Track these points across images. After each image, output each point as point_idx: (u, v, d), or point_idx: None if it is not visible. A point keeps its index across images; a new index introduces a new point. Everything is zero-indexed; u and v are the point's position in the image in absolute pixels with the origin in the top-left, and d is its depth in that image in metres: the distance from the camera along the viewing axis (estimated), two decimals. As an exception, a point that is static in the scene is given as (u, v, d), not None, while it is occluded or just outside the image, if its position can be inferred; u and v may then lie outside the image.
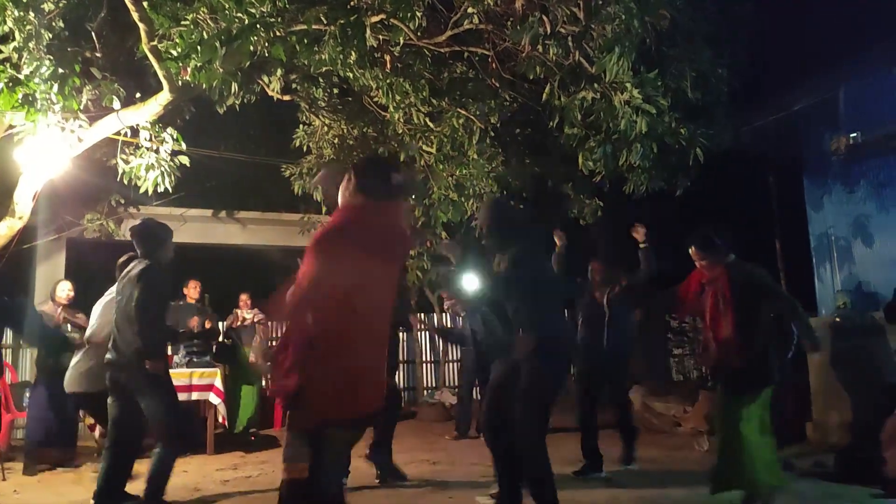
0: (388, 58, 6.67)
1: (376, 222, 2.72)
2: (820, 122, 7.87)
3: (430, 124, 7.29)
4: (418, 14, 5.94)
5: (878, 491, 4.77)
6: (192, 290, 8.26)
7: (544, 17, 5.03)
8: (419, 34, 6.26)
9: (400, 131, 7.59)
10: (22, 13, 6.01)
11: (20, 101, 5.80)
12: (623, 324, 5.99)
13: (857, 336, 7.04)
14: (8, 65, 6.09)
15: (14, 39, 6.20)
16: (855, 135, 7.14)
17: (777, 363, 4.31)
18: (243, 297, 9.14)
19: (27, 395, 7.26)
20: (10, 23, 6.06)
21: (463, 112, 7.16)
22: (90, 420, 7.28)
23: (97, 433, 7.19)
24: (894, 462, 4.86)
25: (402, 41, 6.21)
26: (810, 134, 8.17)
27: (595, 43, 5.08)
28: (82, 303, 7.21)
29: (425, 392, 11.95)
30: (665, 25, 5.01)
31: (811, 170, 8.33)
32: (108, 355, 4.69)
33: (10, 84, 5.72)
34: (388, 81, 6.70)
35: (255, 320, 8.98)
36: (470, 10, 5.83)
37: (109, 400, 4.70)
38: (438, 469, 6.31)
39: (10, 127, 6.33)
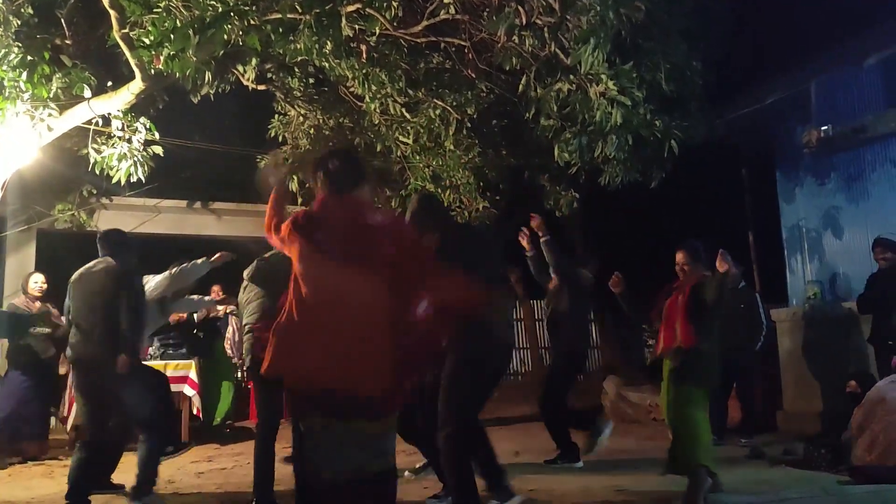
0: (363, 48, 6.64)
1: (335, 217, 2.71)
2: (792, 115, 7.96)
3: (407, 115, 7.28)
4: (394, 4, 5.92)
5: (845, 478, 4.86)
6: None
7: (520, 8, 5.04)
8: (395, 24, 6.23)
9: (376, 122, 7.57)
10: (-11, -1, 5.89)
11: (-13, 88, 5.70)
12: (566, 320, 6.09)
13: (826, 326, 7.18)
14: (-26, 52, 5.97)
15: (-19, 26, 6.09)
16: (826, 128, 7.23)
17: (719, 367, 4.46)
18: (215, 289, 9.05)
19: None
20: (-24, 9, 5.95)
21: (439, 103, 7.15)
22: (63, 413, 7.21)
23: (69, 426, 7.13)
24: (862, 449, 4.95)
25: (378, 31, 6.18)
26: (782, 127, 8.26)
27: (570, 34, 5.10)
28: (54, 295, 7.11)
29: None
30: (640, 18, 5.02)
31: (783, 162, 8.44)
32: (72, 352, 4.64)
33: (-23, 71, 5.61)
34: (364, 72, 6.67)
35: (228, 311, 8.89)
36: (446, 0, 5.81)
37: (80, 398, 4.69)
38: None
39: (-22, 115, 6.20)
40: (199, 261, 5.36)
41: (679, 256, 4.55)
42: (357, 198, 2.80)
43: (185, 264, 5.41)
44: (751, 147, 8.94)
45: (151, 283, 5.32)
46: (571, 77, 5.39)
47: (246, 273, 4.78)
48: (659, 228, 10.82)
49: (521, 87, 5.97)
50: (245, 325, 4.66)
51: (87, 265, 4.81)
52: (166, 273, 5.36)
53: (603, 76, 5.08)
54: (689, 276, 4.47)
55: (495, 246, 4.84)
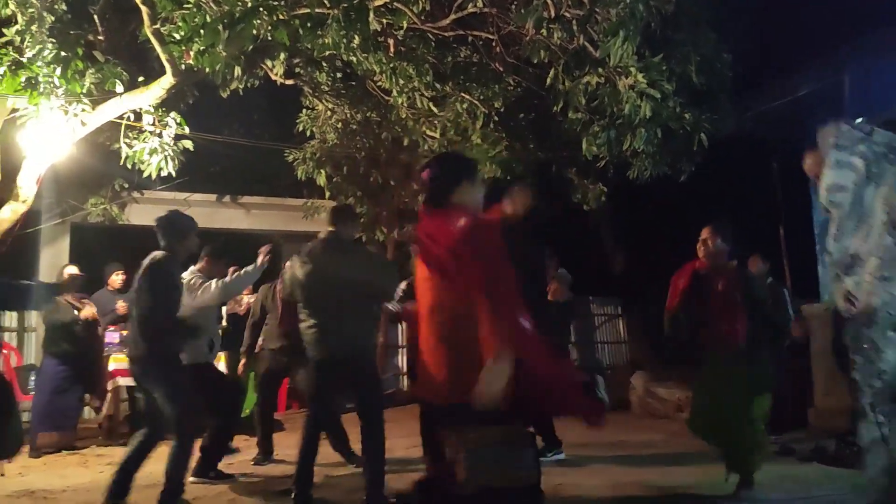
0: (391, 42, 6.64)
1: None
2: (824, 107, 7.82)
3: (434, 109, 7.27)
4: (422, -2, 5.92)
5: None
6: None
7: (549, 1, 5.00)
8: (423, 18, 6.23)
9: (403, 116, 7.57)
10: (24, -4, 5.99)
11: (23, 84, 5.80)
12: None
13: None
14: (10, 48, 6.08)
15: (16, 23, 6.19)
16: (860, 120, 7.09)
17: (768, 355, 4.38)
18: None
19: (32, 378, 7.32)
20: (12, 6, 6.05)
21: (467, 97, 7.14)
22: (95, 403, 7.34)
23: (102, 416, 7.26)
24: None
25: (405, 25, 6.18)
26: (815, 119, 8.11)
27: (599, 27, 5.05)
28: (88, 287, 7.25)
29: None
30: (670, 9, 4.97)
31: (815, 155, 8.29)
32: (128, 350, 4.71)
33: (13, 67, 5.72)
34: (391, 66, 6.67)
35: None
36: (474, -7, 5.81)
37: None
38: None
39: (14, 111, 6.31)
40: (250, 268, 5.33)
41: (706, 232, 4.37)
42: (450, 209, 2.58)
43: (236, 274, 5.33)
44: (782, 140, 8.80)
45: (205, 294, 5.26)
46: (600, 70, 5.35)
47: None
48: (687, 222, 10.69)
49: (549, 80, 5.93)
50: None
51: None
52: (218, 284, 5.20)
53: (632, 69, 5.04)
54: (716, 257, 4.31)
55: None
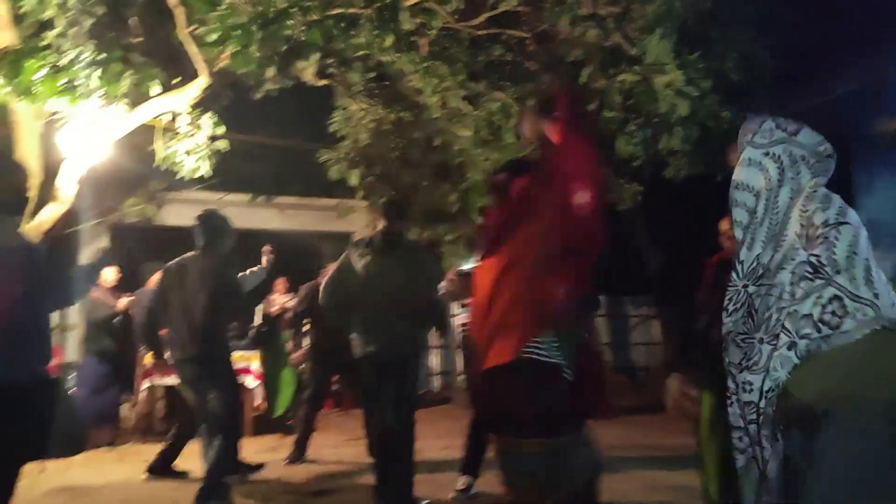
0: (424, 41, 6.63)
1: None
2: (864, 104, 7.63)
3: (467, 108, 7.23)
4: (455, -3, 5.89)
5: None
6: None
7: (583, -2, 4.96)
8: (456, 17, 6.20)
9: (436, 115, 7.55)
10: (63, -1, 6.09)
11: (62, 87, 5.89)
12: None
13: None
14: (50, 51, 6.18)
15: (56, 26, 6.29)
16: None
17: None
18: (279, 282, 9.19)
19: (72, 376, 7.46)
20: (52, 9, 6.15)
21: (500, 95, 7.09)
22: (133, 399, 7.45)
23: (138, 413, 7.37)
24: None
25: (438, 24, 6.16)
26: (857, 117, 7.92)
27: (635, 24, 4.98)
28: (125, 286, 7.36)
29: (459, 377, 11.95)
30: (707, 6, 4.88)
31: (858, 154, 8.09)
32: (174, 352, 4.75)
33: (53, 71, 5.80)
34: (424, 65, 6.66)
35: (287, 305, 8.99)
36: (508, -9, 5.77)
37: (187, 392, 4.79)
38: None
39: (53, 113, 6.43)
40: (256, 268, 5.39)
41: (724, 224, 4.07)
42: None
43: (241, 276, 5.39)
44: (824, 135, 8.61)
45: None
46: (636, 68, 5.27)
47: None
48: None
49: (583, 77, 5.86)
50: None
51: (181, 257, 4.88)
52: None
53: (669, 66, 4.95)
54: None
55: None
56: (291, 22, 5.32)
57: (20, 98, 5.91)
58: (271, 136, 9.96)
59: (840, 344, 1.95)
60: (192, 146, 6.92)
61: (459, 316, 9.05)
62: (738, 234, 2.22)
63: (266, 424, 7.75)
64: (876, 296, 1.98)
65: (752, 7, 5.92)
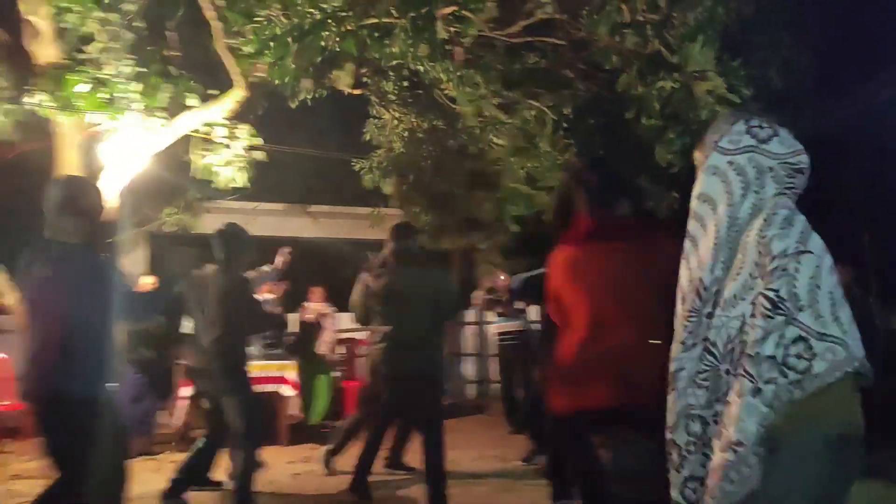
0: (458, 50, 6.59)
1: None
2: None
3: (502, 116, 7.19)
4: (490, 5, 5.84)
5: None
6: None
7: (623, 6, 4.86)
8: (491, 25, 6.16)
9: (471, 124, 7.52)
10: (104, 14, 6.19)
11: (103, 101, 5.98)
12: None
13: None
14: (90, 65, 6.29)
15: (97, 40, 6.40)
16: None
17: None
18: (315, 290, 9.22)
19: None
20: (93, 24, 6.26)
21: (535, 103, 7.03)
22: (171, 408, 7.52)
23: (176, 423, 7.42)
24: None
25: (473, 33, 6.12)
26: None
27: (676, 31, 4.88)
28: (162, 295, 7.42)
29: (491, 385, 11.87)
30: (750, 12, 4.77)
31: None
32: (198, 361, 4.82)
33: (94, 85, 5.90)
34: (458, 74, 6.63)
35: (322, 313, 9.02)
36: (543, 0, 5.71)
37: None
38: (509, 466, 6.25)
39: (94, 126, 6.53)
40: (267, 267, 5.41)
41: None
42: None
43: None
44: (866, 142, 8.40)
45: None
46: (675, 74, 5.17)
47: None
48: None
49: (621, 84, 5.77)
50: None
51: (202, 270, 4.93)
52: None
53: (710, 73, 4.85)
54: None
55: None
56: (326, 33, 5.32)
57: (63, 112, 6.02)
58: (306, 146, 10.02)
59: (815, 389, 1.75)
60: (229, 157, 6.98)
61: (495, 324, 9.02)
62: (703, 253, 1.95)
63: (301, 433, 7.76)
64: (845, 332, 1.78)
65: (795, 12, 5.78)
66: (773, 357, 1.76)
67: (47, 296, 3.05)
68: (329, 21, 5.32)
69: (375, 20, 5.56)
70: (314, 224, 10.74)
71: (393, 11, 5.52)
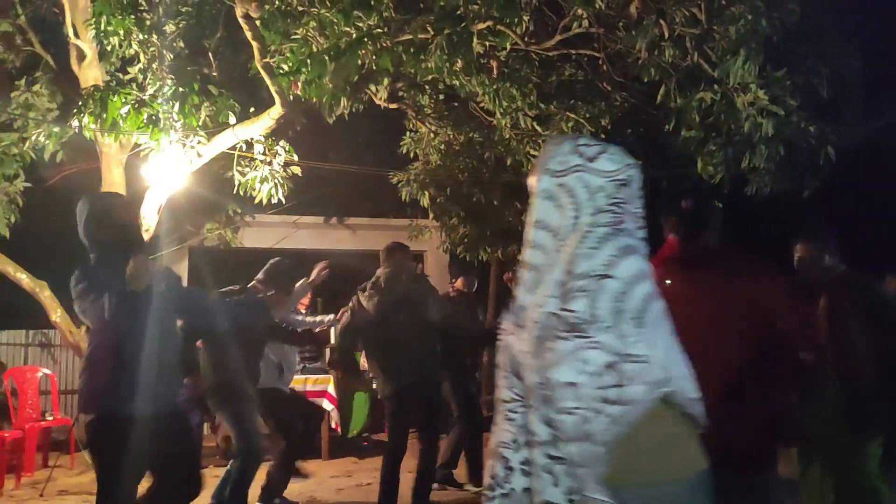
0: (494, 63, 6.57)
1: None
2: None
3: (538, 128, 7.13)
4: (525, 19, 5.81)
5: None
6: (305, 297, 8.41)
7: (661, 21, 4.78)
8: (526, 39, 6.12)
9: (507, 136, 7.48)
10: (146, 36, 6.31)
11: (145, 121, 6.09)
12: None
13: None
14: (133, 86, 6.41)
15: (139, 62, 6.53)
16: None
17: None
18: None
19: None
20: (135, 46, 6.39)
21: (572, 115, 6.96)
22: (217, 422, 7.60)
23: (219, 436, 7.49)
24: None
25: (508, 46, 6.09)
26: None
27: (717, 44, 4.78)
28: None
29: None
30: (794, 20, 4.64)
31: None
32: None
33: (136, 106, 6.01)
34: (494, 87, 6.59)
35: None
36: (580, 12, 5.64)
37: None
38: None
39: (137, 145, 6.65)
40: (297, 285, 5.45)
41: (799, 248, 3.89)
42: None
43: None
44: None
45: None
46: (716, 87, 5.05)
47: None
48: (811, 238, 10.06)
49: (659, 97, 5.68)
50: None
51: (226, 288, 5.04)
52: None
53: (752, 85, 4.72)
54: (821, 272, 3.72)
55: None
56: (362, 51, 5.34)
57: (106, 133, 6.14)
58: (343, 159, 10.08)
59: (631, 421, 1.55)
60: (268, 173, 7.05)
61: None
62: (539, 282, 1.73)
63: (341, 447, 7.79)
64: (655, 354, 1.59)
65: (841, 19, 5.61)
66: (573, 384, 1.56)
67: (122, 313, 3.08)
68: (365, 39, 5.33)
69: (411, 37, 5.56)
70: (353, 236, 10.80)
71: (429, 28, 5.52)
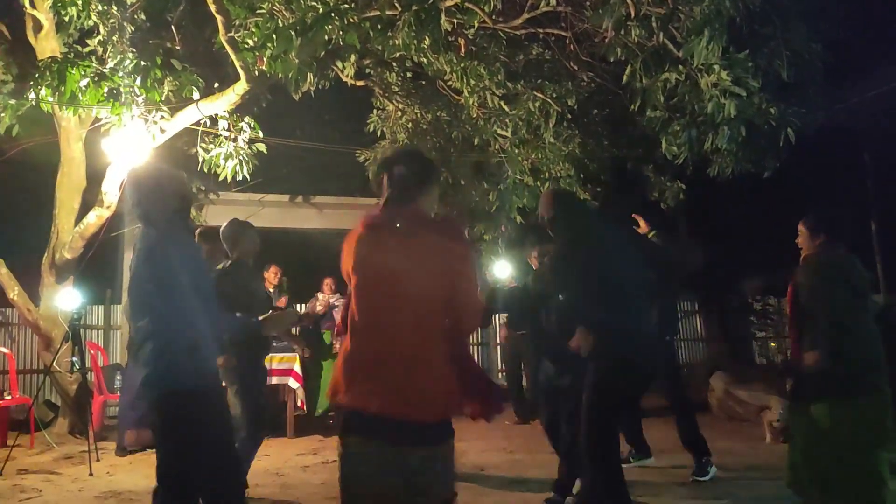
0: (462, 41, 6.56)
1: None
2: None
3: (506, 108, 7.15)
4: (493, -4, 5.80)
5: None
6: (272, 276, 8.38)
7: (627, 0, 4.81)
8: (494, 17, 6.11)
9: (474, 115, 7.48)
10: (105, 7, 6.16)
11: (105, 95, 5.97)
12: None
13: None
14: (93, 58, 6.27)
15: (98, 33, 6.38)
16: None
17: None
18: (327, 282, 9.19)
19: (118, 377, 7.57)
20: (94, 17, 6.23)
21: (539, 95, 6.99)
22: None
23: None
24: None
25: (476, 25, 6.08)
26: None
27: (682, 25, 4.82)
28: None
29: (500, 375, 11.89)
30: (757, 3, 4.70)
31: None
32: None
33: (96, 79, 5.88)
34: (462, 65, 6.58)
35: (336, 304, 9.01)
36: (547, -9, 5.66)
37: None
38: (516, 459, 6.27)
39: (97, 120, 6.52)
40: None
41: (802, 225, 3.80)
42: (419, 208, 2.47)
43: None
44: (874, 131, 8.34)
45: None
46: (680, 67, 5.10)
47: None
48: (771, 219, 10.29)
49: (625, 77, 5.72)
50: None
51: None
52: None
53: (716, 66, 4.77)
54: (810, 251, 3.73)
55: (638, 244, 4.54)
56: (329, 26, 5.28)
57: (65, 107, 6.00)
58: (309, 137, 10.00)
59: None
60: (233, 150, 6.97)
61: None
62: None
63: (307, 425, 7.79)
64: None
65: (806, 3, 5.68)
66: None
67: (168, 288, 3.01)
68: (332, 15, 5.27)
69: (378, 13, 5.52)
70: (319, 215, 10.72)
71: (396, 4, 5.48)
